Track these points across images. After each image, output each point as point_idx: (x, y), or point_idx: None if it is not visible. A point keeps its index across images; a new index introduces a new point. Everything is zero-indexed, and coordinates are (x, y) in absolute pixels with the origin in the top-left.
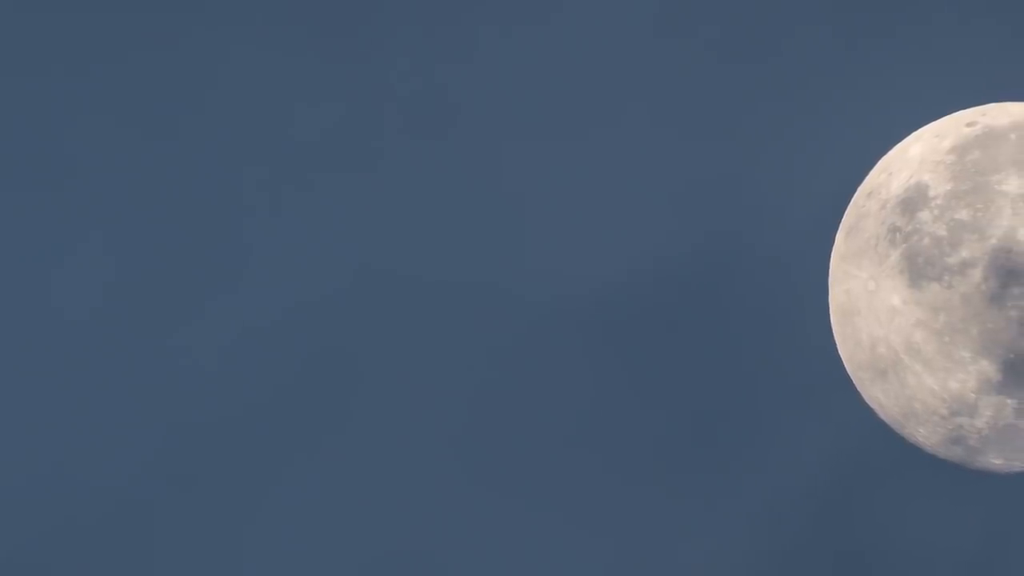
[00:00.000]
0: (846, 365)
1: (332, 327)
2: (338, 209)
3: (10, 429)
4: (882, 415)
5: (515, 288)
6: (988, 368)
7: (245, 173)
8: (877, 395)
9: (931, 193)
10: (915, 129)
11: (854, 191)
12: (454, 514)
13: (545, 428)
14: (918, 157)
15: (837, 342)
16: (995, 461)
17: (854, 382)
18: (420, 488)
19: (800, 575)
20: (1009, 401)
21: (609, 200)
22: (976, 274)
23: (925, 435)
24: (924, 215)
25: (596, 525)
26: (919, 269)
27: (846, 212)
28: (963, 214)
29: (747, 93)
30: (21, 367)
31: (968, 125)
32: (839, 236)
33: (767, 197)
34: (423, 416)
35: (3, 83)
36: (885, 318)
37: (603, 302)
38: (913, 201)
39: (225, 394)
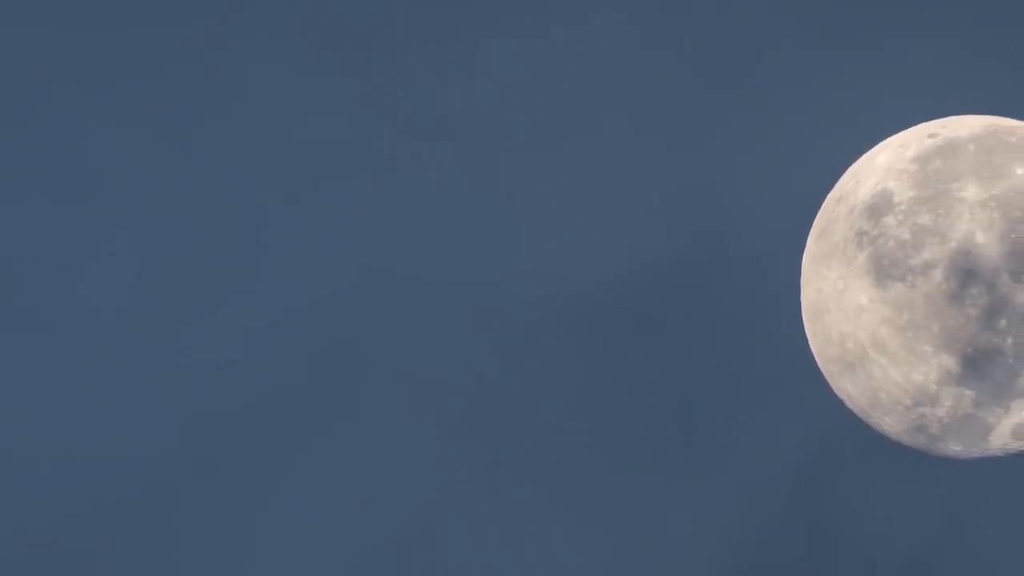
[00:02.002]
0: (817, 359)
1: (340, 323)
2: (345, 214)
3: (46, 417)
4: (850, 405)
5: (510, 287)
6: (948, 362)
7: (259, 180)
8: (846, 387)
9: (896, 199)
10: (881, 140)
11: (824, 197)
12: (454, 496)
13: (539, 417)
14: (884, 165)
15: (809, 338)
16: (954, 448)
17: (824, 375)
18: (422, 472)
19: (775, 551)
20: (968, 392)
21: (598, 205)
22: (937, 274)
23: (890, 423)
24: (889, 220)
25: (587, 506)
26: (884, 270)
27: (817, 216)
28: (925, 219)
29: (726, 107)
30: (55, 360)
31: (930, 136)
32: (810, 239)
33: (744, 203)
34: (425, 406)
35: (39, 98)
36: (853, 315)
37: (593, 300)
38: (879, 207)
39: (241, 385)
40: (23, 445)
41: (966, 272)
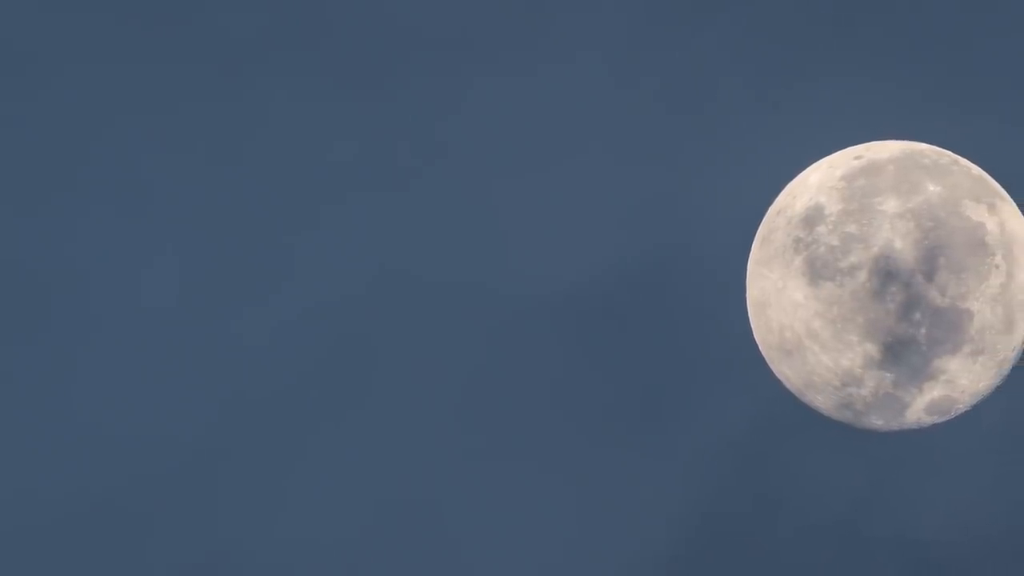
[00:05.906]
0: (760, 347)
1: (356, 317)
2: (362, 223)
3: (108, 394)
4: (788, 386)
5: (501, 287)
6: (871, 349)
7: (289, 194)
8: (784, 370)
9: (826, 212)
10: (814, 161)
11: (766, 210)
12: (451, 463)
13: (524, 398)
14: (816, 183)
15: (753, 329)
16: (877, 422)
17: (766, 360)
18: (426, 447)
19: (723, 511)
20: (887, 375)
21: (574, 218)
22: (862, 275)
23: (822, 401)
24: (821, 229)
25: (566, 473)
26: (817, 271)
27: (760, 226)
28: (852, 228)
29: (684, 133)
30: (117, 348)
31: (856, 158)
32: (755, 245)
33: (698, 215)
34: (428, 389)
35: (104, 126)
36: (791, 310)
37: (570, 298)
38: (812, 218)
39: (272, 371)
40: (93, 418)
41: (886, 273)
